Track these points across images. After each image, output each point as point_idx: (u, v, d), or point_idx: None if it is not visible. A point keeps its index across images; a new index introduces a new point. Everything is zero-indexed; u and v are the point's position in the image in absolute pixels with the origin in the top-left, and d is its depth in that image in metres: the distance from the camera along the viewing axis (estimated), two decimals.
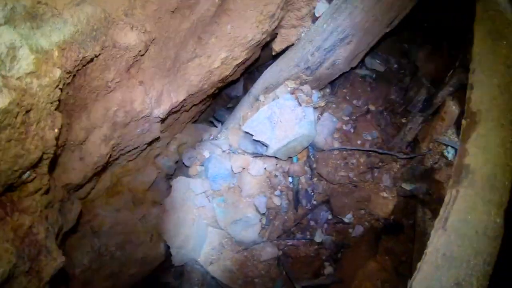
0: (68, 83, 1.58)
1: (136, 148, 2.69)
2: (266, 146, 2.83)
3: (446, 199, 1.56)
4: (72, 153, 1.96)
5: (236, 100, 3.65)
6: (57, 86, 1.35)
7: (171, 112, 2.58)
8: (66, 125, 1.75)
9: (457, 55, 2.76)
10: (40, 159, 1.36)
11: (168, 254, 3.41)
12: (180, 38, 2.32)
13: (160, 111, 2.37)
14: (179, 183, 3.16)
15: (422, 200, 2.56)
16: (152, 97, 2.28)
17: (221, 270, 2.99)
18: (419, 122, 2.68)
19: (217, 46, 2.56)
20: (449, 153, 2.51)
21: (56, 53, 1.38)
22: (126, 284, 3.08)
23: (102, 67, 1.85)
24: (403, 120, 2.97)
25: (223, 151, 3.13)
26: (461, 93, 2.58)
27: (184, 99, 2.56)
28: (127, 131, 2.29)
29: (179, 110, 2.76)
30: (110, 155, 2.33)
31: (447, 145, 2.52)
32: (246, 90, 3.80)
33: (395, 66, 3.35)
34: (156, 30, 2.09)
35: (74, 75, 1.62)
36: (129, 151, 2.68)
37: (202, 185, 3.10)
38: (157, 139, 2.79)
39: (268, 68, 3.18)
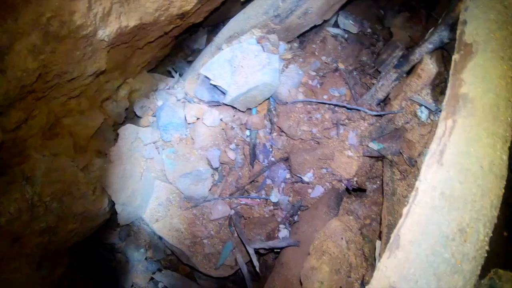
0: None
1: (78, 78, 2.36)
2: (224, 93, 2.58)
3: (439, 132, 1.32)
4: None
5: (198, 53, 3.37)
6: None
7: (120, 41, 2.28)
8: None
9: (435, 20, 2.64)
10: None
11: (113, 212, 3.10)
12: None
13: (106, 32, 2.08)
14: (127, 131, 2.85)
15: (391, 161, 2.39)
16: (97, 14, 1.98)
17: (168, 228, 2.71)
18: (393, 79, 2.49)
19: None
20: (423, 113, 2.35)
21: None
22: (64, 241, 2.74)
23: None
24: (373, 82, 2.80)
25: (178, 100, 2.85)
26: (440, 53, 2.45)
27: (136, 26, 2.26)
28: (63, 49, 1.97)
29: (129, 41, 2.45)
30: (41, 75, 1.99)
31: (421, 105, 2.35)
32: (208, 43, 3.53)
33: (369, 30, 3.18)
34: None
35: None
36: (69, 81, 2.34)
37: (152, 135, 2.80)
38: (102, 72, 2.47)
39: (234, 17, 2.94)
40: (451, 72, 1.47)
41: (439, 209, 1.20)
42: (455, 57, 1.47)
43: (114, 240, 3.21)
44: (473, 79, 1.38)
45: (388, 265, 1.21)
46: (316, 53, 2.87)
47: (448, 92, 1.41)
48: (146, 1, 2.29)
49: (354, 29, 3.06)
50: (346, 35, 3.03)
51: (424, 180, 1.27)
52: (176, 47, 3.34)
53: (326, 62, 2.84)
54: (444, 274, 1.14)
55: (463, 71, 1.39)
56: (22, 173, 2.45)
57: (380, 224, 2.13)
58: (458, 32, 1.56)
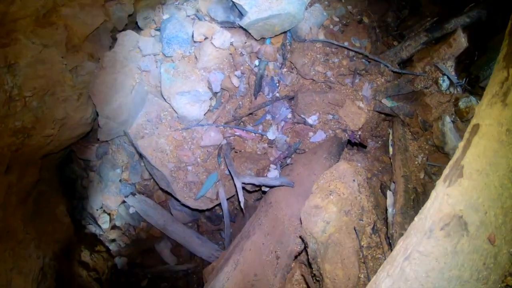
0: None
1: None
2: (243, 14, 2.38)
3: (501, 76, 1.21)
4: None
5: None
6: None
7: None
8: None
9: None
10: None
11: (94, 126, 2.88)
12: None
13: None
14: (127, 37, 2.62)
15: (402, 121, 2.31)
16: None
17: (153, 148, 2.52)
18: (421, 42, 2.40)
19: None
20: (444, 82, 2.27)
21: None
22: (38, 147, 2.51)
23: None
24: (395, 43, 2.70)
25: (188, 16, 2.63)
26: (472, 31, 2.37)
27: None
28: None
29: None
30: None
31: (444, 74, 2.27)
32: None
33: None
34: None
35: None
36: None
37: (153, 46, 2.59)
38: None
39: None
40: (508, 32, 1.36)
41: (507, 144, 1.14)
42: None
43: (90, 156, 2.99)
44: None
45: (451, 193, 1.11)
46: (343, 1, 2.72)
47: (505, 48, 1.32)
48: None
49: None
50: None
51: (489, 116, 1.19)
52: None
53: (351, 12, 2.69)
54: (510, 209, 1.07)
55: None
56: (5, 58, 2.21)
57: (393, 175, 2.03)
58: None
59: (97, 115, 2.71)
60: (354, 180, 1.84)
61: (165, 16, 2.71)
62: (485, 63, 2.31)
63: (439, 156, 2.09)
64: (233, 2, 2.37)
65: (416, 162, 2.10)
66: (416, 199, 1.86)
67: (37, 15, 2.33)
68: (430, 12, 2.90)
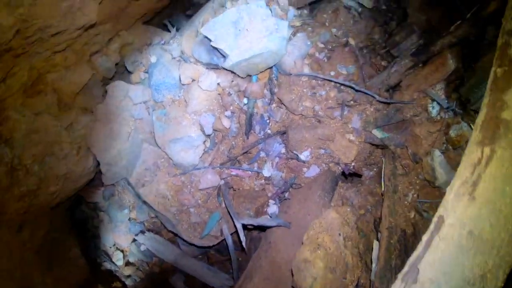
0: None
1: (64, 32, 2.12)
2: (225, 56, 2.39)
3: (473, 157, 1.17)
4: None
5: (197, 7, 3.11)
6: None
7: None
8: None
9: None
10: None
11: (97, 171, 2.97)
12: None
13: None
14: (116, 88, 2.67)
15: (393, 153, 2.31)
16: None
17: (154, 194, 2.62)
18: (408, 67, 2.36)
19: None
20: (434, 109, 2.25)
21: None
22: (46, 203, 2.62)
23: None
24: (383, 63, 2.65)
25: (173, 58, 2.65)
26: (459, 49, 2.31)
27: None
28: (46, 1, 1.72)
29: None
30: (19, 31, 1.75)
31: (433, 100, 2.25)
32: None
33: (383, 7, 2.97)
34: None
35: None
36: (53, 35, 2.10)
37: (142, 94, 2.63)
38: (92, 26, 2.23)
39: None
40: (489, 86, 1.31)
41: (466, 250, 1.10)
42: (497, 71, 1.32)
43: (98, 199, 3.11)
44: None
45: None
46: (327, 24, 2.67)
47: (485, 111, 1.26)
48: None
49: (369, 4, 2.84)
50: (360, 9, 2.81)
51: (453, 213, 1.15)
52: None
53: (336, 35, 2.65)
54: None
55: (507, 92, 1.23)
56: (1, 136, 2.27)
57: (380, 222, 2.06)
58: (501, 41, 1.38)
59: (98, 163, 2.80)
60: (340, 234, 1.90)
61: (152, 58, 2.73)
62: (475, 84, 2.26)
63: (430, 191, 2.11)
64: (212, 46, 2.37)
65: (406, 202, 2.12)
66: (404, 244, 1.90)
67: (24, 89, 2.35)
68: (417, 21, 2.83)
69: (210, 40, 2.36)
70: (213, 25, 2.36)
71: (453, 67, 2.31)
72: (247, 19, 2.34)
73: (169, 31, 2.96)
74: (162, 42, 2.82)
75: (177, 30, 2.95)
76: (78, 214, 3.24)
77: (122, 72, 2.90)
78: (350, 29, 2.71)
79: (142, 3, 2.57)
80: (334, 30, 2.66)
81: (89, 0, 1.99)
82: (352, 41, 2.67)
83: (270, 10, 2.47)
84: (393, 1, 3.10)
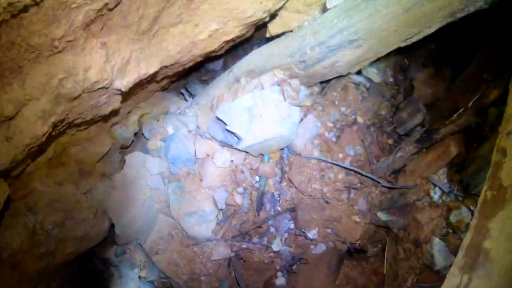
0: None
1: (89, 120, 2.26)
2: (239, 138, 2.52)
3: (454, 282, 1.30)
4: None
5: (213, 74, 3.25)
6: None
7: (137, 85, 2.16)
8: None
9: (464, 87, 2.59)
10: None
11: (111, 231, 3.09)
12: None
13: (123, 83, 1.95)
14: (135, 158, 2.80)
15: (396, 235, 2.43)
16: (115, 65, 1.84)
17: (167, 262, 2.74)
18: (411, 153, 2.48)
19: (209, 15, 2.14)
20: (436, 194, 2.37)
21: None
22: (61, 262, 2.74)
23: (47, 18, 1.39)
24: (389, 141, 2.78)
25: (189, 131, 2.78)
26: (462, 135, 2.43)
27: (156, 72, 2.14)
28: (76, 104, 1.86)
29: (147, 82, 2.34)
30: (51, 133, 1.88)
31: (435, 185, 2.37)
32: (225, 65, 3.41)
33: (391, 79, 3.11)
34: None
35: None
36: (79, 124, 2.25)
37: (159, 165, 2.76)
38: (116, 111, 2.37)
39: (258, 49, 2.81)
40: (478, 209, 1.43)
41: None
42: (487, 194, 1.43)
43: (110, 255, 3.22)
44: (499, 234, 1.34)
45: None
46: (336, 103, 2.80)
47: (470, 235, 1.38)
48: (168, 43, 2.16)
49: (377, 78, 2.98)
50: (368, 84, 2.95)
51: None
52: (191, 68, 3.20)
53: (345, 114, 2.78)
54: None
55: (492, 219, 1.35)
56: (26, 204, 2.40)
57: None
58: (494, 159, 1.49)
59: (113, 224, 2.93)
60: None
61: (169, 129, 2.87)
62: (475, 171, 2.37)
63: (429, 274, 2.22)
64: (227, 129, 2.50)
65: (405, 287, 2.23)
66: None
67: (48, 162, 2.49)
68: (424, 94, 2.96)
69: (225, 124, 2.48)
70: (228, 109, 2.49)
71: (455, 153, 2.43)
72: (261, 105, 2.47)
73: (185, 98, 3.09)
74: (179, 111, 2.95)
75: (193, 96, 3.08)
76: (90, 266, 3.36)
77: (139, 137, 3.03)
78: (358, 107, 2.84)
79: (162, 81, 2.70)
80: (343, 108, 2.79)
81: (115, 94, 2.11)
82: (360, 119, 2.80)
83: (283, 91, 2.60)
84: (400, 73, 3.24)
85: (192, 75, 3.31)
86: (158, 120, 2.96)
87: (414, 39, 2.39)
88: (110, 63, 1.81)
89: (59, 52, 1.59)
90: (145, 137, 3.00)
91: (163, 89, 3.08)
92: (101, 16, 1.63)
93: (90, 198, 2.79)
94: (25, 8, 1.25)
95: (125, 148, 2.99)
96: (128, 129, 2.81)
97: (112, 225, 2.99)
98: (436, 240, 2.25)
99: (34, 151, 1.91)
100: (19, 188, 2.23)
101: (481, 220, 1.39)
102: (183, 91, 3.22)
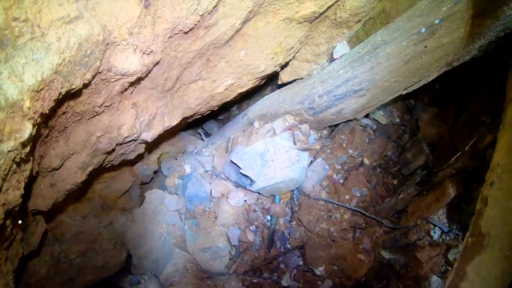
0: (43, 121, 1.35)
1: (117, 165, 2.48)
2: (252, 181, 2.69)
3: None
4: (43, 179, 1.75)
5: (228, 114, 3.45)
6: (25, 145, 1.13)
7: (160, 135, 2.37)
8: (38, 158, 1.52)
9: (464, 129, 2.71)
10: (4, 218, 1.16)
11: (127, 261, 3.29)
12: (187, 59, 2.08)
13: (149, 135, 2.16)
14: (154, 195, 3.00)
15: (398, 272, 2.54)
16: (143, 121, 2.06)
17: None
18: (413, 195, 2.61)
19: (225, 71, 2.34)
20: (435, 234, 2.48)
21: (27, 103, 1.11)
22: None
23: (90, 91, 1.62)
24: (394, 182, 2.91)
25: (206, 171, 2.97)
26: (461, 177, 2.54)
27: (178, 124, 2.35)
28: (108, 155, 2.08)
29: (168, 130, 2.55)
30: (86, 179, 2.11)
31: (435, 225, 2.49)
32: (239, 105, 3.61)
33: (397, 120, 3.25)
34: (163, 50, 1.84)
35: (53, 107, 1.38)
36: (108, 168, 2.47)
37: (177, 203, 2.95)
38: (141, 155, 2.58)
39: (270, 95, 3.00)
40: (461, 253, 1.58)
41: None
42: (468, 240, 1.57)
43: (125, 284, 3.41)
44: (474, 277, 1.48)
45: None
46: (344, 145, 2.95)
47: (451, 277, 1.54)
48: (189, 97, 2.37)
49: (383, 120, 3.12)
50: (374, 126, 3.09)
51: None
52: None
53: (352, 156, 2.93)
54: None
55: (470, 263, 1.50)
56: (54, 236, 2.62)
57: None
58: (477, 208, 1.64)
59: (131, 255, 3.12)
60: None
61: (187, 168, 3.07)
62: (472, 212, 2.47)
63: None
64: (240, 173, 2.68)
65: None
66: None
67: (76, 197, 2.72)
68: (428, 134, 3.08)
69: (239, 167, 2.66)
70: (242, 155, 2.67)
71: (452, 195, 2.51)
72: (272, 151, 2.64)
73: (201, 138, 3.29)
74: (196, 150, 3.16)
75: (209, 135, 3.28)
76: None
77: (158, 175, 3.24)
78: (365, 149, 2.99)
79: (180, 124, 2.91)
80: (350, 151, 2.94)
81: (140, 143, 2.32)
82: (366, 161, 2.94)
83: (293, 136, 2.77)
84: (406, 113, 3.37)
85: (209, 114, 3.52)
86: (176, 159, 3.17)
87: (415, 87, 2.54)
88: (139, 119, 2.03)
89: (97, 114, 1.81)
90: (163, 174, 3.21)
91: (181, 129, 3.30)
92: (133, 84, 1.85)
93: (111, 230, 3.00)
94: (80, 91, 1.48)
95: (144, 184, 3.20)
96: (148, 167, 3.02)
97: (129, 256, 3.18)
98: (434, 278, 2.36)
99: (71, 194, 2.12)
100: (49, 221, 2.45)
101: (461, 264, 1.54)
102: (200, 132, 3.42)
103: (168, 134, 3.01)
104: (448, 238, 2.51)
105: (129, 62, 1.64)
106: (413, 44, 2.17)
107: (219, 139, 3.18)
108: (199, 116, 2.72)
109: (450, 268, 2.44)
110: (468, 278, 1.50)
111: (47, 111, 1.27)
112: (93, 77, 1.52)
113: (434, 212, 2.48)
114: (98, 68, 1.52)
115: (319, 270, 2.69)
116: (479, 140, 2.45)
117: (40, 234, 1.87)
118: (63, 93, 1.35)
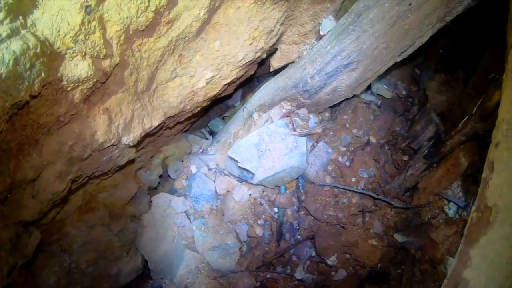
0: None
1: (109, 171, 2.49)
2: (252, 174, 2.61)
3: None
4: (23, 191, 1.78)
5: (233, 110, 3.41)
6: None
7: (145, 136, 2.36)
8: (6, 170, 1.55)
9: (474, 92, 2.46)
10: None
11: (146, 266, 3.31)
12: (156, 57, 2.06)
13: (130, 139, 2.15)
14: (160, 200, 3.00)
15: (413, 256, 2.35)
16: (119, 125, 2.05)
17: None
18: (422, 170, 2.41)
19: (202, 65, 2.30)
20: (451, 210, 2.27)
21: None
22: None
23: (48, 103, 1.62)
24: (405, 158, 2.70)
25: (210, 169, 2.94)
26: (473, 143, 2.30)
27: (160, 124, 2.33)
28: (89, 162, 2.08)
29: (157, 132, 2.54)
30: (70, 188, 2.12)
31: (449, 200, 2.27)
32: (244, 99, 3.56)
33: (404, 92, 3.03)
34: (121, 52, 1.83)
35: (8, 120, 1.40)
36: (99, 175, 2.48)
37: (183, 204, 2.93)
38: (132, 161, 2.58)
39: (265, 84, 2.92)
40: (466, 230, 1.32)
41: None
42: (473, 216, 1.31)
43: None
44: (480, 262, 1.21)
45: None
46: (347, 126, 2.80)
47: (455, 263, 1.29)
48: (169, 96, 2.34)
49: (388, 94, 2.93)
50: (379, 102, 2.91)
51: None
52: (209, 108, 3.38)
53: (357, 136, 2.77)
54: None
55: (474, 245, 1.23)
56: (61, 247, 2.67)
57: None
58: (483, 175, 1.37)
59: (147, 261, 3.14)
60: None
61: (192, 168, 3.05)
62: None
63: None
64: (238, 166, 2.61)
65: None
66: None
67: (78, 209, 2.75)
68: (438, 102, 2.83)
69: (236, 161, 2.60)
70: (238, 148, 2.60)
71: (466, 164, 2.26)
72: (267, 140, 2.55)
73: (207, 138, 3.27)
74: (201, 150, 3.14)
75: (214, 133, 3.25)
76: None
77: (166, 178, 3.25)
78: (370, 126, 2.81)
79: (176, 127, 2.90)
80: (354, 131, 2.78)
81: (126, 148, 2.32)
82: (373, 139, 2.76)
83: (292, 123, 2.66)
84: (413, 84, 3.14)
85: (214, 112, 3.49)
86: (183, 161, 3.16)
87: (410, 51, 2.36)
88: (114, 124, 2.02)
89: (66, 124, 1.82)
90: (171, 178, 3.22)
91: (185, 130, 3.29)
92: (97, 89, 1.84)
93: (122, 237, 3.03)
94: (27, 103, 1.49)
95: (153, 189, 3.22)
96: (152, 172, 3.04)
97: (146, 262, 3.21)
98: (451, 260, 2.13)
99: (58, 203, 2.15)
100: (53, 233, 2.50)
101: (465, 246, 1.26)
102: (204, 131, 3.40)
103: (167, 137, 3.01)
104: (465, 213, 2.28)
105: (79, 68, 1.65)
106: (396, 4, 2.00)
107: (223, 136, 3.14)
108: (190, 114, 2.69)
109: None
110: (472, 265, 1.23)
111: None
112: (43, 88, 1.52)
113: (447, 186, 2.26)
114: (46, 79, 1.52)
115: (331, 260, 2.56)
116: (486, 99, 2.20)
117: (34, 244, 1.90)
118: (8, 107, 1.36)
